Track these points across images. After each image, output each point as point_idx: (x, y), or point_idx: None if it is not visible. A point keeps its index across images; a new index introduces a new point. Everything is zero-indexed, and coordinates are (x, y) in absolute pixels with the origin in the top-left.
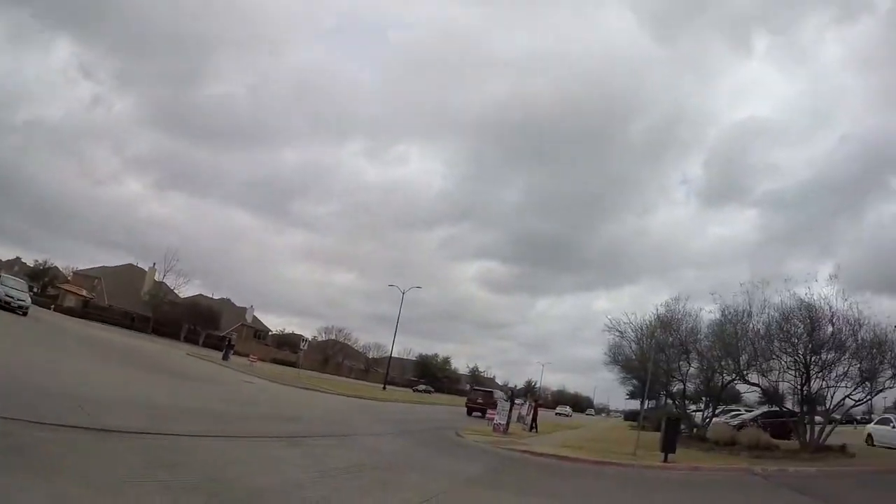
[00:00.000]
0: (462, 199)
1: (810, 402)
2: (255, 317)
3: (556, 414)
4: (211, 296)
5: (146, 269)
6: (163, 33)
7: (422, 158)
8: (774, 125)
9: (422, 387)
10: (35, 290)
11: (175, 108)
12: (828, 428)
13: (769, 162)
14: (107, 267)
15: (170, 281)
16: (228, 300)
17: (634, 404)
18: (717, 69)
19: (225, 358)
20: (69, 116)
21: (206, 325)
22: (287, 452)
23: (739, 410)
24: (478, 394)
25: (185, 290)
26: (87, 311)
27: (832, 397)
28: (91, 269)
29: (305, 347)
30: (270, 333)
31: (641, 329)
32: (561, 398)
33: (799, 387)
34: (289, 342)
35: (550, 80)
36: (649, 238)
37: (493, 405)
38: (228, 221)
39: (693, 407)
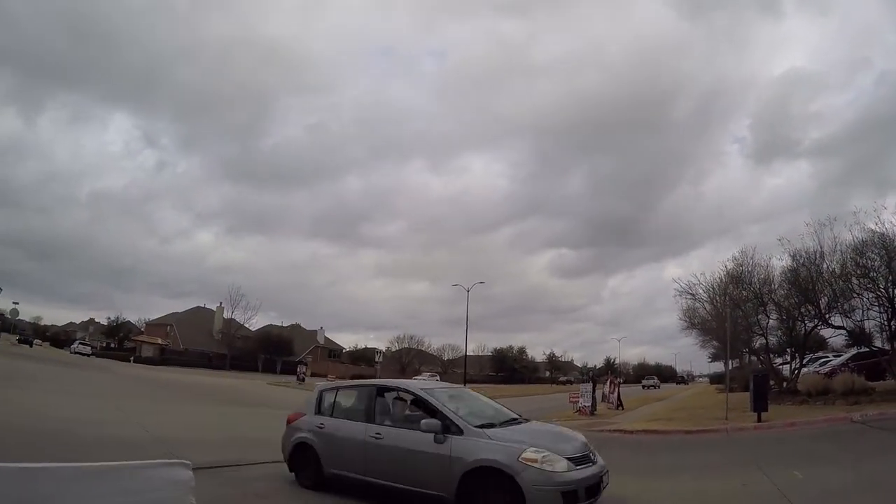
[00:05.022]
0: (528, 196)
1: None
2: (326, 337)
3: (643, 387)
4: (281, 324)
5: (214, 309)
6: (219, 94)
7: (484, 165)
8: (812, 75)
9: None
10: (112, 345)
11: (239, 159)
12: None
13: (812, 111)
14: (177, 313)
15: (238, 316)
16: (298, 325)
17: (717, 366)
18: (749, 35)
19: (300, 381)
20: (134, 183)
21: (280, 353)
22: None
23: (827, 357)
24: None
25: (255, 323)
26: (165, 357)
27: None
28: (162, 317)
29: (381, 360)
30: (344, 351)
31: (713, 288)
32: (643, 371)
33: (886, 322)
34: (364, 357)
35: (595, 75)
36: (707, 202)
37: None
38: (299, 253)
39: (779, 360)
